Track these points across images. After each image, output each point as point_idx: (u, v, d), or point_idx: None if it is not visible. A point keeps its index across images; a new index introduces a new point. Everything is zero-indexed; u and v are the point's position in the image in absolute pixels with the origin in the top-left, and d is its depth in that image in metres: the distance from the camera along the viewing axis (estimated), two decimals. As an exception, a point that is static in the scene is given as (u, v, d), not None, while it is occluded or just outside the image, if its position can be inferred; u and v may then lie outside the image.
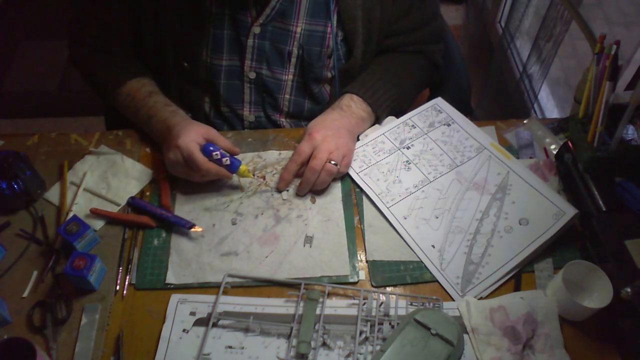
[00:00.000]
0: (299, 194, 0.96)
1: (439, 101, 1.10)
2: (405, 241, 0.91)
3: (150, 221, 0.92)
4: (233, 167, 0.92)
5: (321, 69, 1.06)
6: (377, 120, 1.06)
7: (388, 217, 0.94)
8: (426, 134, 1.04)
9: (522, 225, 0.89)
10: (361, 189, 0.98)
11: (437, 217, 0.93)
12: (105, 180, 0.98)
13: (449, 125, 1.05)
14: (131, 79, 1.03)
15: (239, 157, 0.98)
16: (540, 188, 0.93)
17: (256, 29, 1.00)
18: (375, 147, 1.04)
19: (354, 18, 1.01)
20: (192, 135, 0.90)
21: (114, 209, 0.94)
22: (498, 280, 0.85)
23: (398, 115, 1.09)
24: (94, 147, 1.04)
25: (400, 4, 1.04)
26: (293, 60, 1.04)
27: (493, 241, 0.89)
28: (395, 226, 0.92)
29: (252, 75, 1.05)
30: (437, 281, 0.86)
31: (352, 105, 1.02)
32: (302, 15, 0.99)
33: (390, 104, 1.06)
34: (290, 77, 1.06)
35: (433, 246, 0.89)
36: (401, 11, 1.06)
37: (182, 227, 0.91)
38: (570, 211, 0.88)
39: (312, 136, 0.95)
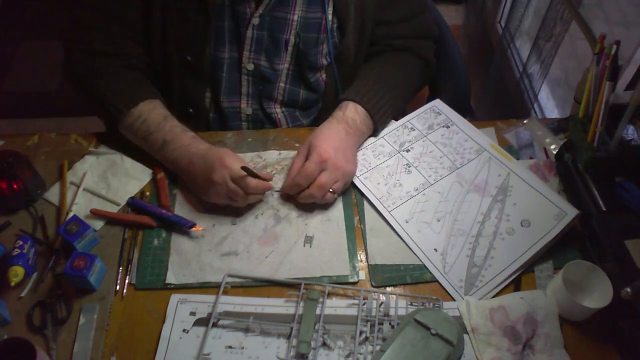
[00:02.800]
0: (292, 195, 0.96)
1: (438, 103, 1.10)
2: (407, 245, 0.91)
3: (150, 221, 0.92)
4: None
5: (316, 56, 1.06)
6: (375, 132, 1.05)
7: (389, 221, 0.93)
8: (425, 136, 1.04)
9: (524, 227, 0.89)
10: (362, 194, 0.98)
11: (438, 221, 0.92)
12: (105, 180, 0.98)
13: (448, 127, 1.05)
14: (144, 99, 0.97)
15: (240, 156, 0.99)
16: (541, 189, 0.93)
17: (255, 20, 1.00)
18: (374, 150, 1.04)
19: (347, 4, 1.01)
20: (234, 157, 0.90)
21: (114, 209, 0.95)
22: (501, 283, 0.85)
23: (396, 117, 1.09)
24: (93, 147, 1.04)
25: None
26: (290, 48, 1.04)
27: (495, 243, 0.88)
28: (397, 230, 0.92)
29: (250, 66, 1.05)
30: (439, 283, 0.86)
31: (357, 120, 1.00)
32: (299, 3, 1.00)
33: (390, 114, 1.06)
34: (287, 65, 1.06)
35: (435, 249, 0.89)
36: (388, 1, 1.06)
37: (182, 227, 0.91)
38: (571, 212, 0.88)
39: (322, 157, 0.91)
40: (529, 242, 0.87)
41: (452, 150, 1.02)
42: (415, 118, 1.08)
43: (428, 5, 1.15)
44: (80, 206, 0.95)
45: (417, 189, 0.97)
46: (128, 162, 1.01)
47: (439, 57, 1.22)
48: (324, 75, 1.11)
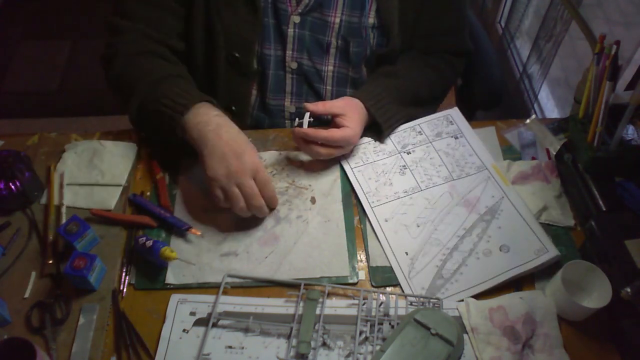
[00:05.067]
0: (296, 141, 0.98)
1: (453, 112, 1.09)
2: (380, 243, 0.90)
3: (151, 221, 0.92)
4: (155, 248, 0.84)
5: (360, 59, 1.07)
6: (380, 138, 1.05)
7: (370, 217, 0.93)
8: (430, 142, 1.04)
9: (503, 252, 0.88)
10: (351, 185, 0.98)
11: (418, 226, 0.92)
12: (96, 167, 0.98)
13: (456, 138, 1.04)
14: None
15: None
16: (530, 221, 0.91)
17: (296, 19, 1.02)
18: (376, 146, 1.04)
19: (391, 10, 1.02)
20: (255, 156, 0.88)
21: (117, 191, 0.96)
22: (462, 300, 0.83)
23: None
24: (85, 140, 1.04)
25: (428, 7, 1.06)
26: (332, 51, 1.06)
27: (468, 261, 0.87)
28: (375, 227, 0.92)
29: (294, 65, 1.06)
30: (400, 286, 0.86)
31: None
32: (340, 6, 1.01)
33: (397, 123, 1.06)
34: (331, 67, 1.08)
35: (406, 253, 0.89)
36: (428, 13, 1.07)
37: (179, 229, 0.91)
38: (552, 251, 0.86)
39: (351, 141, 0.96)
40: (503, 268, 0.85)
41: (453, 162, 1.01)
42: (425, 123, 1.07)
43: (467, 22, 1.15)
44: (82, 199, 0.95)
45: (405, 192, 0.97)
46: (109, 145, 1.02)
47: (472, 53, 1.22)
48: (365, 71, 1.11)
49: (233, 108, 1.10)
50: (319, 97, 1.11)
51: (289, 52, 1.05)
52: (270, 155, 1.03)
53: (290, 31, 1.03)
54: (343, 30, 1.03)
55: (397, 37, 1.06)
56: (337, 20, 1.02)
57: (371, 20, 1.03)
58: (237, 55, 1.03)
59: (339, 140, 0.95)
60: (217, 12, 1.00)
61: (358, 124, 0.97)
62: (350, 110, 0.97)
